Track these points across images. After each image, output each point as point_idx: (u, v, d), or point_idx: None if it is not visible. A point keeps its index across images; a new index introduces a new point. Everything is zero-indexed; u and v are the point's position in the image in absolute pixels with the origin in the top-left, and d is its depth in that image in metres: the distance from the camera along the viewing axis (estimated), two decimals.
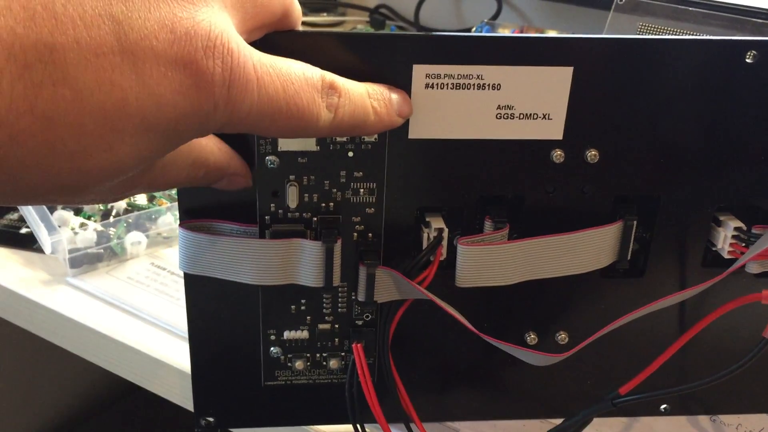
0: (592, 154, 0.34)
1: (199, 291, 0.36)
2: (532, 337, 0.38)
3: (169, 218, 0.56)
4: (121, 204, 0.57)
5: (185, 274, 0.35)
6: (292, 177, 0.33)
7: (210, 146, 0.30)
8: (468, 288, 0.34)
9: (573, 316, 0.38)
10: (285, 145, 0.33)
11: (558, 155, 0.34)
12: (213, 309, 0.36)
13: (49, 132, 0.21)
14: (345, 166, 0.33)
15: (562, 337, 0.38)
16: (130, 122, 0.23)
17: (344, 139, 0.33)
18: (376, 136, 0.33)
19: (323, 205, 0.34)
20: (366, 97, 0.29)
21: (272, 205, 0.34)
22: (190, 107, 0.24)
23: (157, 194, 0.60)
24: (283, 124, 0.27)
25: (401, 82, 0.31)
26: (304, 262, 0.34)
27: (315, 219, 0.34)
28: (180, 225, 0.34)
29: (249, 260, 0.34)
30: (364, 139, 0.33)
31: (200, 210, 0.34)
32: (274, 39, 0.29)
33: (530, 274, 0.35)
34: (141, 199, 0.59)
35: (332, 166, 0.33)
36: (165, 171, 0.28)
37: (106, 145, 0.23)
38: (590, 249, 0.35)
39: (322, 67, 0.28)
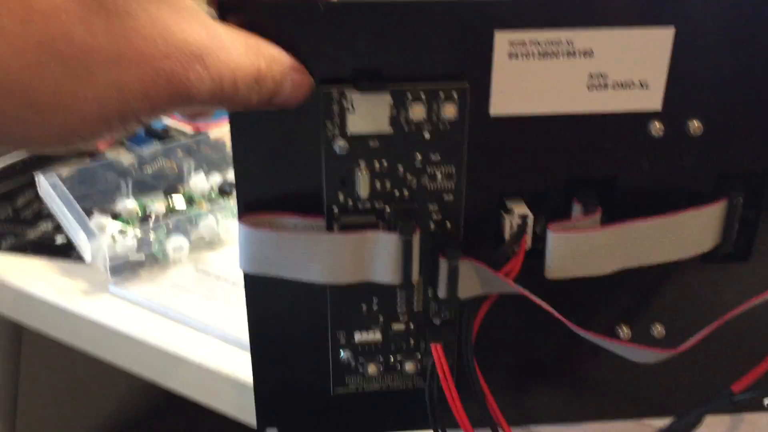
0: (695, 126, 0.30)
1: (261, 292, 0.33)
2: (624, 331, 0.35)
3: (210, 221, 0.54)
4: (161, 208, 0.55)
5: (245, 274, 0.32)
6: (362, 163, 0.30)
7: (253, 36, 0.27)
8: (553, 279, 0.31)
9: (670, 305, 0.35)
10: (355, 127, 0.30)
11: (656, 128, 0.30)
12: (276, 311, 0.34)
13: None
14: (421, 149, 0.30)
15: (659, 330, 0.35)
16: None
17: (420, 118, 0.30)
18: (455, 113, 0.30)
19: (397, 192, 0.31)
20: None
21: (341, 194, 0.31)
22: None
23: (195, 197, 0.57)
24: None
25: (481, 53, 0.29)
26: (379, 257, 0.31)
27: (388, 208, 0.31)
28: (239, 220, 0.31)
29: (318, 257, 0.31)
30: (441, 118, 0.30)
31: (261, 203, 0.31)
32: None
33: (626, 262, 0.31)
34: (180, 203, 0.56)
35: (406, 149, 0.30)
36: (223, 49, 0.25)
37: None
38: (692, 232, 0.31)
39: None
